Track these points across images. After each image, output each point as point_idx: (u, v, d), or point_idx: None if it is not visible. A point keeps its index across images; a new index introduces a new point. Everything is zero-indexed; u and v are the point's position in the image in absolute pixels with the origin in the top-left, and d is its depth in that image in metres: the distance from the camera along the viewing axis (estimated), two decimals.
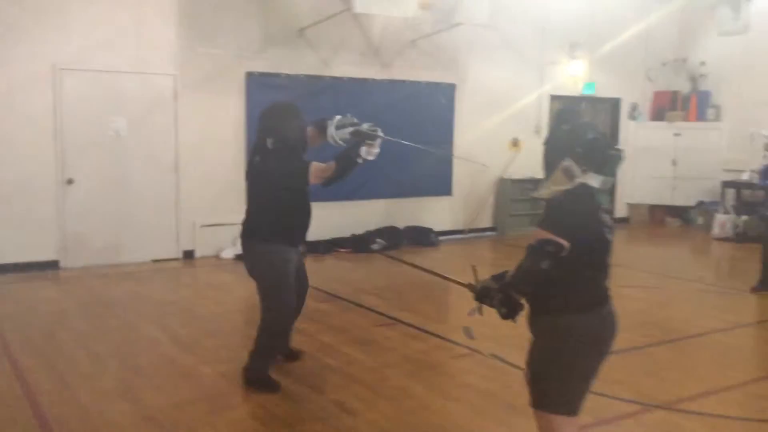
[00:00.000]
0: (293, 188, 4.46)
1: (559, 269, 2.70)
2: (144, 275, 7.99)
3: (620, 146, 9.15)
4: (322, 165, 4.42)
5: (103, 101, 8.23)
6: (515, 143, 11.46)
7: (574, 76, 11.97)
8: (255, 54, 9.03)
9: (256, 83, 9.00)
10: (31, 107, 7.84)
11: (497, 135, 11.19)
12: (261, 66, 9.05)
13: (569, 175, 2.77)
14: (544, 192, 2.84)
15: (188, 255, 8.86)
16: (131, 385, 4.56)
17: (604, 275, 2.89)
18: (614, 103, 12.79)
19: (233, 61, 8.89)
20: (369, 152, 4.48)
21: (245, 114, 9.03)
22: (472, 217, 11.20)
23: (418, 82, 10.31)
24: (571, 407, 2.85)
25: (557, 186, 2.79)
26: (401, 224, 10.22)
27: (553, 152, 2.87)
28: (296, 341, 5.19)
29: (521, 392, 4.36)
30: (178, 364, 5.00)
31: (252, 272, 4.57)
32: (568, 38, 11.67)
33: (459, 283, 3.16)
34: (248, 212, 4.59)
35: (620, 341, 5.52)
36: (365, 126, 4.58)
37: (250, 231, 4.55)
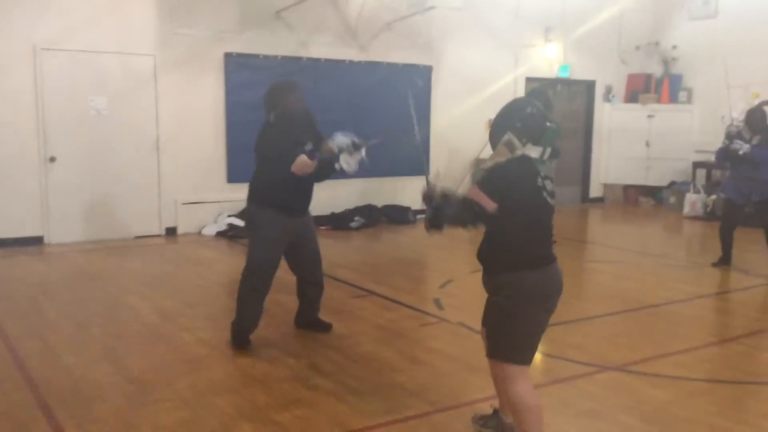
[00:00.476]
0: (284, 163, 4.64)
1: (498, 232, 3.11)
2: (127, 251, 8.20)
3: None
4: (308, 161, 4.61)
5: (84, 80, 8.38)
6: (491, 124, 11.68)
7: (549, 59, 12.22)
8: (233, 35, 9.20)
9: (235, 64, 9.18)
10: (11, 87, 7.98)
11: (473, 116, 11.40)
12: (239, 47, 9.23)
13: (511, 147, 3.09)
14: (489, 163, 3.14)
15: (170, 232, 9.07)
16: (114, 350, 4.80)
17: (549, 236, 3.20)
18: (589, 86, 13.06)
19: (211, 42, 9.06)
20: (347, 162, 4.66)
21: (224, 94, 9.22)
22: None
23: (395, 64, 10.52)
24: (521, 357, 3.19)
25: (500, 157, 3.12)
26: (379, 203, 10.47)
27: (498, 128, 3.18)
28: (273, 312, 5.45)
29: (482, 355, 4.68)
30: (159, 332, 5.24)
31: (248, 229, 5.03)
32: (543, 21, 11.91)
33: (424, 175, 3.44)
34: (252, 177, 4.95)
35: (581, 310, 5.92)
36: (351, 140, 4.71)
37: (249, 194, 4.92)
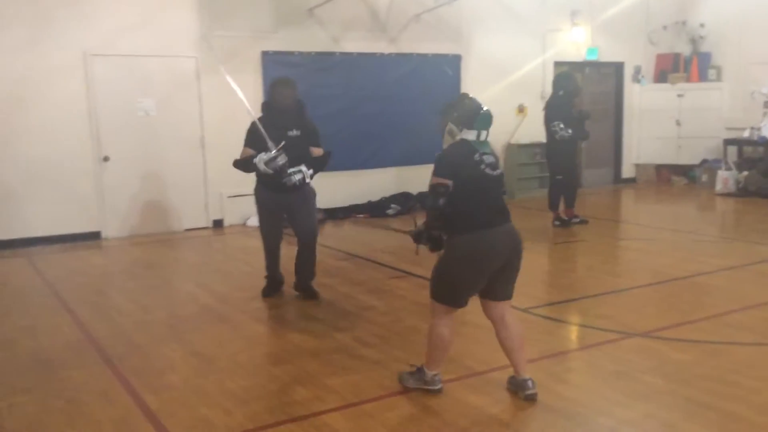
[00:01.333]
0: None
1: (453, 203, 3.70)
2: (178, 242, 8.73)
3: (587, 109, 10.05)
4: (247, 152, 5.67)
5: (132, 84, 8.90)
6: (521, 109, 11.99)
7: (576, 42, 12.42)
8: (269, 34, 9.63)
9: (271, 61, 9.62)
10: (65, 91, 8.52)
11: (503, 102, 11.68)
12: (275, 45, 9.66)
13: (451, 134, 3.83)
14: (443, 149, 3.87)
15: (217, 224, 9.58)
16: (178, 329, 5.28)
17: (489, 204, 3.80)
18: (618, 67, 13.22)
19: (249, 42, 9.51)
20: (265, 163, 5.43)
21: (262, 91, 9.63)
22: None
23: (425, 55, 10.85)
24: (448, 300, 3.88)
25: (445, 144, 3.86)
26: (414, 190, 10.82)
27: (443, 120, 3.88)
28: (320, 292, 5.94)
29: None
30: (216, 312, 5.72)
31: None
32: (569, 5, 12.13)
33: (402, 231, 4.11)
34: None
35: (611, 284, 6.24)
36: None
37: None
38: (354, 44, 10.28)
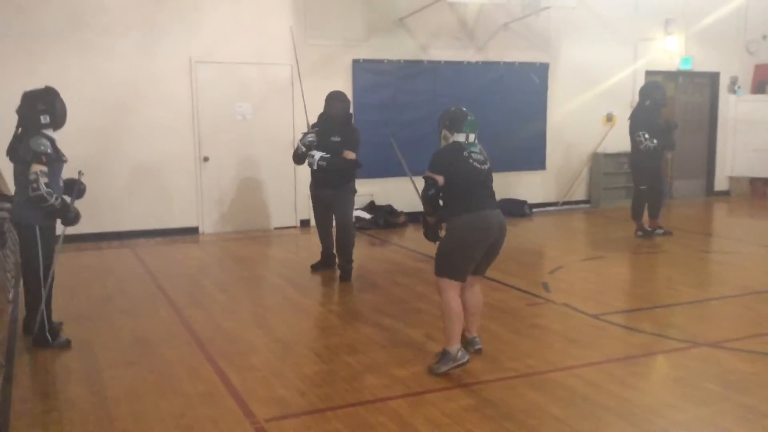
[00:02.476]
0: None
1: (446, 193, 4.44)
2: (268, 239, 9.26)
3: (676, 119, 10.33)
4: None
5: (231, 89, 9.51)
6: (609, 118, 11.92)
7: (669, 52, 12.24)
8: (359, 42, 10.05)
9: (361, 69, 10.03)
10: (173, 95, 9.20)
11: (591, 111, 11.72)
12: (365, 53, 10.07)
13: (446, 138, 4.62)
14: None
15: (304, 223, 10.06)
16: (262, 317, 5.72)
17: (480, 191, 4.49)
18: (713, 77, 12.91)
19: (340, 50, 9.96)
20: (300, 140, 6.93)
21: (352, 96, 10.05)
22: (566, 189, 11.79)
23: (512, 63, 11.00)
24: (451, 273, 4.44)
25: (440, 146, 4.63)
26: (496, 197, 10.93)
27: (438, 126, 4.68)
28: (392, 290, 6.29)
29: (583, 330, 5.21)
30: (298, 304, 6.13)
31: None
32: (663, 14, 11.97)
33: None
34: None
35: (686, 295, 6.26)
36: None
37: None
38: (441, 52, 10.55)
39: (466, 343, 4.67)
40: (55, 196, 4.77)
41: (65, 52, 8.62)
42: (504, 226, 4.57)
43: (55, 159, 4.89)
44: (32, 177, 4.71)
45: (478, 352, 4.75)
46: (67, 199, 5.03)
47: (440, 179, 4.45)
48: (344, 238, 6.87)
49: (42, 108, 4.86)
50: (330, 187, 6.80)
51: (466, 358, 4.44)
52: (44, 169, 4.73)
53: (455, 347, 4.43)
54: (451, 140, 4.57)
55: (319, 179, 6.90)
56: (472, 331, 4.78)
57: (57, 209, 4.82)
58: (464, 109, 4.65)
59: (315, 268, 7.28)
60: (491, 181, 4.64)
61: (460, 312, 4.45)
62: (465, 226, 4.39)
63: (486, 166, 4.56)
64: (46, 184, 4.72)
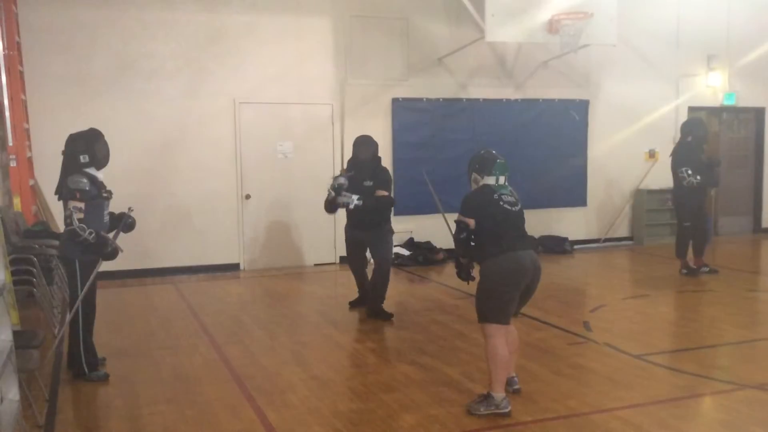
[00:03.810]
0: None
1: (477, 235, 4.46)
2: (307, 276, 9.33)
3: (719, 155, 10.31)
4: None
5: (273, 128, 9.70)
6: (652, 154, 11.78)
7: (712, 87, 12.10)
8: (399, 82, 10.19)
9: (401, 107, 10.15)
10: (216, 135, 9.43)
11: (632, 147, 11.60)
12: (404, 92, 10.20)
13: (476, 181, 4.68)
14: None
15: (343, 260, 10.06)
16: (300, 354, 5.75)
17: (512, 232, 4.50)
18: (759, 112, 12.70)
19: (381, 89, 10.11)
20: (330, 185, 6.94)
21: (391, 135, 10.18)
22: (608, 226, 11.64)
23: (552, 100, 11.00)
24: (498, 318, 4.41)
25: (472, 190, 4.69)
26: (536, 233, 10.87)
27: (468, 170, 4.73)
28: (431, 329, 6.23)
29: (625, 371, 5.12)
30: (336, 341, 6.15)
31: None
32: (705, 50, 11.87)
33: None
34: None
35: (732, 336, 6.10)
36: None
37: None
38: (480, 90, 10.62)
39: (505, 382, 4.62)
40: (88, 231, 4.90)
41: (114, 96, 8.93)
42: (539, 266, 4.56)
43: (96, 196, 5.06)
44: (66, 213, 4.98)
45: (517, 392, 4.72)
46: (111, 234, 5.18)
47: (471, 222, 4.50)
48: (382, 278, 6.92)
49: (82, 148, 5.07)
50: (366, 229, 6.89)
51: (509, 408, 4.37)
52: (79, 205, 4.92)
53: (501, 395, 4.39)
54: (481, 183, 4.62)
55: (354, 221, 6.99)
56: (510, 371, 4.73)
57: (92, 243, 4.95)
58: (494, 152, 4.70)
59: (353, 305, 7.33)
60: (523, 222, 4.66)
61: (506, 357, 4.43)
62: (499, 269, 4.41)
63: (517, 208, 4.58)
64: (80, 220, 4.90)
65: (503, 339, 4.42)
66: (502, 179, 4.61)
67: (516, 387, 4.74)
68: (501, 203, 4.51)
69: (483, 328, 4.49)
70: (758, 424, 4.21)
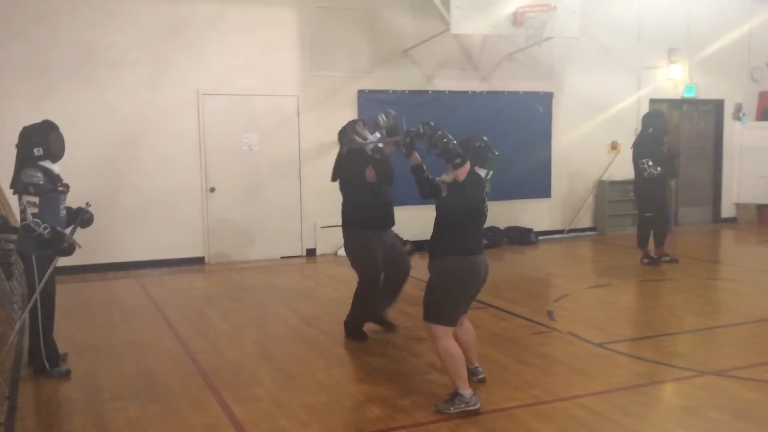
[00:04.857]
0: (360, 184, 5.69)
1: (441, 224, 4.32)
2: (274, 269, 9.27)
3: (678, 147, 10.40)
4: (372, 170, 5.62)
5: (238, 120, 9.60)
6: (614, 146, 11.95)
7: (673, 80, 12.31)
8: (365, 74, 10.16)
9: (366, 99, 10.13)
10: (180, 127, 9.30)
11: (595, 139, 11.75)
12: (370, 84, 10.18)
13: (462, 165, 4.26)
14: (446, 177, 4.41)
15: (310, 252, 10.09)
16: (266, 348, 5.72)
17: (478, 235, 4.38)
18: (717, 105, 12.95)
19: (346, 81, 10.07)
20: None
21: None
22: (571, 217, 11.78)
23: (516, 93, 11.08)
24: (447, 321, 4.30)
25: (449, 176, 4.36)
26: (502, 225, 10.97)
27: (446, 147, 4.31)
28: (399, 320, 6.21)
29: (588, 359, 5.18)
30: (302, 334, 6.13)
31: (345, 252, 5.95)
32: (666, 43, 12.06)
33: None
34: (342, 205, 6.02)
35: (691, 323, 6.20)
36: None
37: (342, 219, 5.98)
38: (446, 82, 10.64)
39: (470, 373, 4.63)
40: (43, 225, 4.81)
41: (74, 87, 8.75)
42: (487, 270, 4.45)
43: (51, 190, 4.95)
44: (21, 207, 4.90)
45: (482, 381, 4.76)
46: (69, 229, 5.09)
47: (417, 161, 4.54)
48: (402, 285, 6.05)
49: (36, 141, 4.96)
50: (387, 227, 5.91)
51: (479, 405, 4.28)
52: (32, 200, 4.83)
53: (468, 392, 4.30)
54: (468, 171, 4.26)
55: (371, 218, 5.77)
56: (473, 362, 4.78)
57: (47, 239, 4.85)
58: (486, 140, 4.40)
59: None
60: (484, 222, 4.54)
61: (460, 355, 4.33)
62: (457, 271, 4.27)
63: (487, 210, 4.43)
64: (34, 214, 4.80)
65: (452, 338, 4.35)
66: (490, 174, 4.37)
67: (481, 376, 4.79)
68: (483, 205, 4.35)
69: (429, 328, 4.36)
70: (717, 409, 4.30)
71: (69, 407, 4.58)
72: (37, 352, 5.07)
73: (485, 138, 4.42)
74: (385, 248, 5.82)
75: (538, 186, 11.46)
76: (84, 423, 4.27)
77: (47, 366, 5.06)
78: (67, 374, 5.09)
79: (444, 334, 4.30)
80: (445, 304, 4.29)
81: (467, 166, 4.25)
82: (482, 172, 4.33)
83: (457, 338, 4.51)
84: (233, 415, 4.33)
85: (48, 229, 4.82)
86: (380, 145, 5.63)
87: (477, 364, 4.81)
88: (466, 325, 4.70)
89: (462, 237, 4.31)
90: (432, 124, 4.43)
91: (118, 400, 4.62)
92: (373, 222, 5.76)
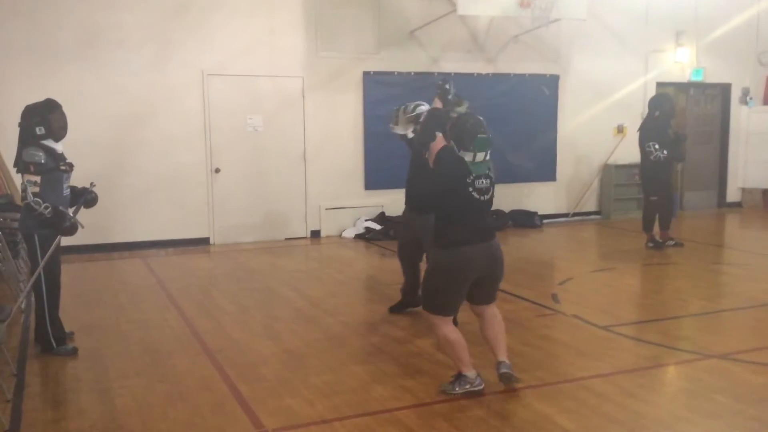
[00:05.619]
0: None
1: (439, 219, 4.19)
2: (279, 250, 9.30)
3: (685, 130, 10.29)
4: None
5: (243, 101, 9.58)
6: (620, 129, 11.90)
7: (680, 63, 12.23)
8: (370, 55, 10.12)
9: (372, 81, 10.09)
10: (185, 108, 9.29)
11: (601, 122, 11.71)
12: (376, 65, 10.14)
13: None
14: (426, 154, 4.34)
15: (315, 234, 10.11)
16: (272, 328, 5.75)
17: (472, 224, 4.15)
18: (725, 89, 12.87)
19: (351, 63, 10.03)
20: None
21: (362, 108, 10.14)
22: (576, 201, 11.77)
23: (522, 75, 11.03)
24: (441, 311, 4.26)
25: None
26: (507, 208, 10.96)
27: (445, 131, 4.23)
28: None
29: (593, 342, 5.19)
30: (308, 315, 6.15)
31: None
32: (674, 26, 11.98)
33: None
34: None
35: (697, 307, 6.19)
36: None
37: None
38: (452, 64, 10.59)
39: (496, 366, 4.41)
40: (44, 205, 4.79)
41: (80, 67, 8.73)
42: (498, 257, 4.27)
43: (53, 169, 4.93)
44: (22, 186, 4.89)
45: (505, 379, 4.35)
46: (72, 208, 5.08)
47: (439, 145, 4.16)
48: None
49: (38, 120, 4.93)
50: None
51: (483, 386, 4.29)
52: (33, 179, 4.81)
53: (472, 372, 4.29)
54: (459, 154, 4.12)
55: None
56: (499, 355, 4.42)
57: (48, 218, 4.84)
58: (480, 120, 4.12)
59: (394, 310, 6.16)
60: (489, 209, 4.27)
61: (459, 340, 4.27)
62: (446, 264, 4.16)
63: (486, 197, 4.17)
64: (35, 194, 4.79)
65: (450, 325, 4.30)
66: (480, 155, 4.07)
67: (503, 371, 4.35)
68: (470, 190, 4.08)
69: (427, 317, 4.36)
70: (720, 392, 4.32)
71: (76, 385, 4.61)
72: (43, 331, 5.11)
73: (480, 118, 4.14)
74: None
75: (544, 169, 11.44)
76: (91, 401, 4.30)
77: (54, 344, 5.10)
78: (74, 352, 5.13)
79: (442, 323, 4.28)
80: (436, 295, 4.24)
81: (438, 143, 4.18)
82: (467, 156, 4.08)
83: (483, 335, 4.47)
84: (239, 394, 4.36)
85: (49, 209, 4.81)
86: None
87: (503, 359, 4.39)
88: (489, 318, 4.41)
89: (452, 227, 4.15)
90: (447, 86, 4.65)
91: (124, 379, 4.65)
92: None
